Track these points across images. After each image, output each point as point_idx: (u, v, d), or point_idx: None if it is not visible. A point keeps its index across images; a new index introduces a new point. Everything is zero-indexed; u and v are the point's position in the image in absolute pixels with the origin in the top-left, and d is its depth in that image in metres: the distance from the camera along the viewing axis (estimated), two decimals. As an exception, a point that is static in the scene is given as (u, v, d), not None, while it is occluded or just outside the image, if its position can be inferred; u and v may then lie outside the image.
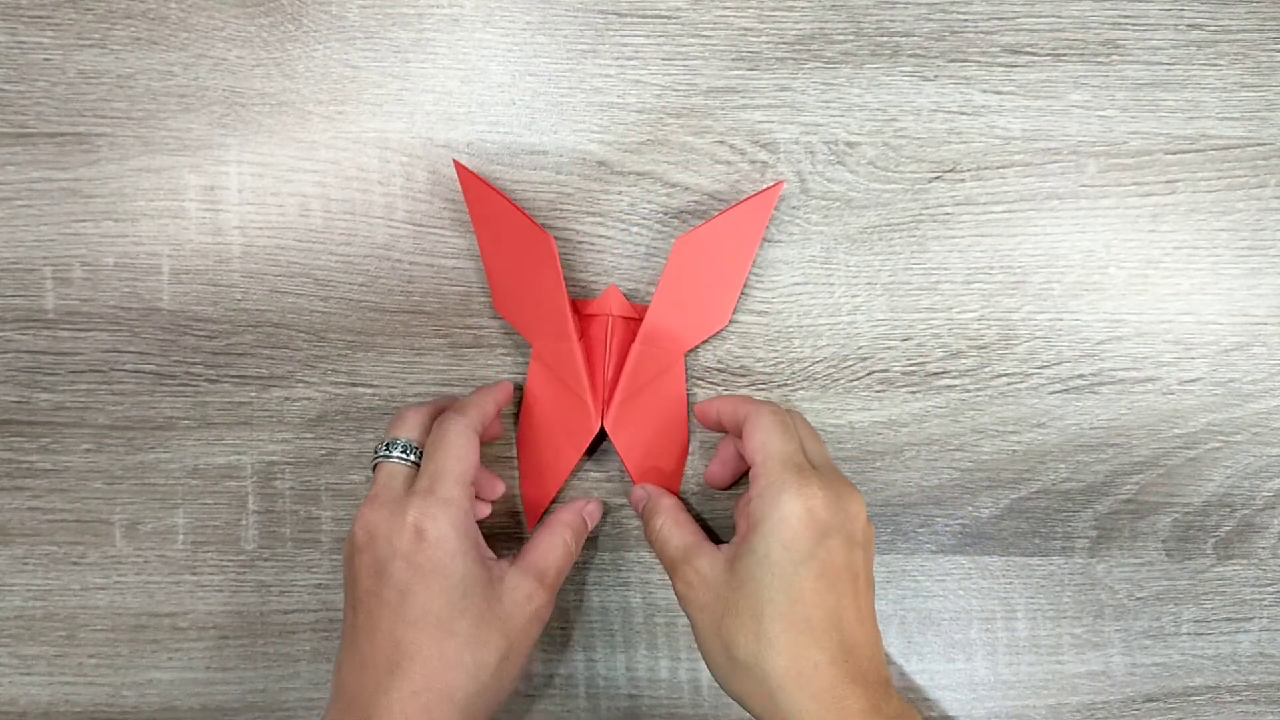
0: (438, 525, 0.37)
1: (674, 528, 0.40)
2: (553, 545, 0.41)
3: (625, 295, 0.45)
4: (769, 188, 0.43)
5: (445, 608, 0.36)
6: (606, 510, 0.46)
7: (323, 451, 0.46)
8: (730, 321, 0.45)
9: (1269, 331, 0.45)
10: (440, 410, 0.41)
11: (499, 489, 0.43)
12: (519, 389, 0.45)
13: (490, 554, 0.39)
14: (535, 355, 0.44)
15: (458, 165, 0.43)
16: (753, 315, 0.46)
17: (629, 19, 0.45)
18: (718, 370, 0.45)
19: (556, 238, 0.45)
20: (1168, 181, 0.45)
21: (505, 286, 0.44)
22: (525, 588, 0.39)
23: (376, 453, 0.40)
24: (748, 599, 0.36)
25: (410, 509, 0.37)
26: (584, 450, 0.44)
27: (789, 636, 0.35)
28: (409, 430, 0.40)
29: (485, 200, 0.43)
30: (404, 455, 0.39)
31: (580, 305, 0.44)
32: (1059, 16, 0.45)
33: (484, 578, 0.37)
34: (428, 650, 0.36)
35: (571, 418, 0.44)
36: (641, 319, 0.44)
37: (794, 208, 0.45)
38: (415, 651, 0.35)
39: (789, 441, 0.38)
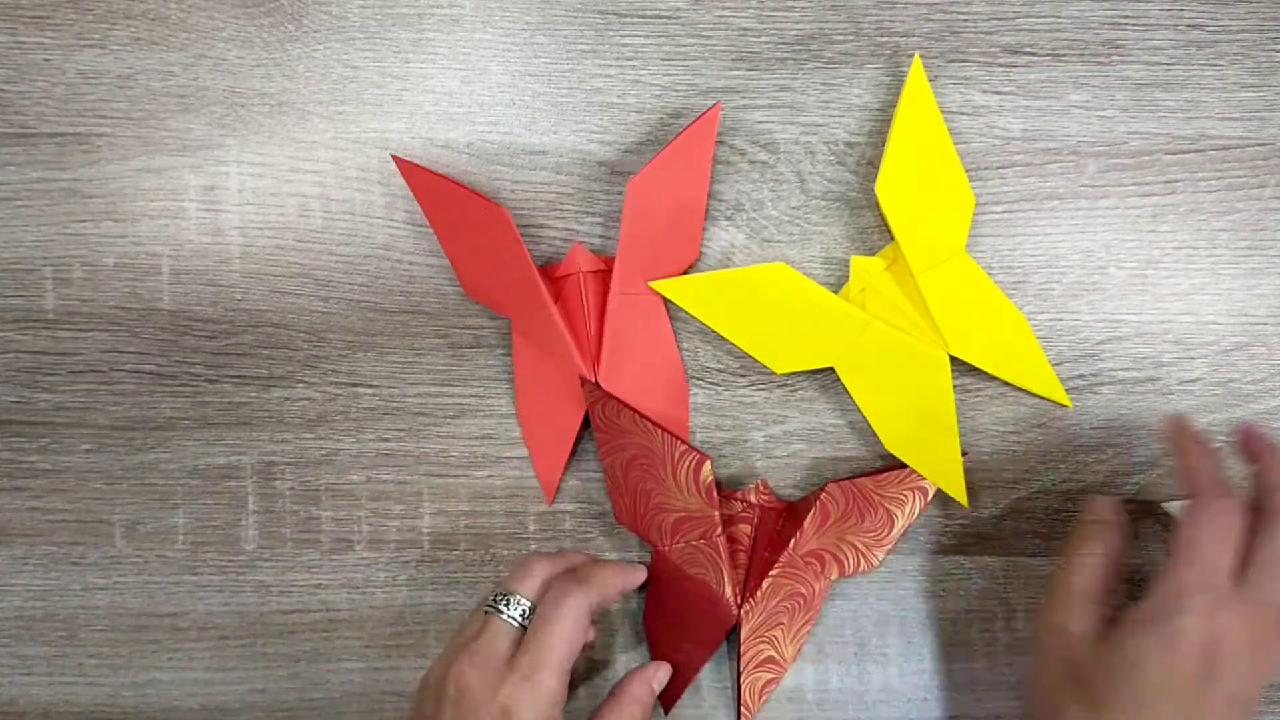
0: (524, 713, 0.36)
1: (1094, 567, 0.40)
2: None
3: (592, 251, 0.45)
4: (706, 111, 0.43)
5: None
6: (604, 511, 0.46)
7: (323, 451, 0.46)
8: (699, 254, 0.45)
9: (1269, 331, 0.45)
10: (569, 566, 0.41)
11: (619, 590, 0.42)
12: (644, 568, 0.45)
13: None
14: (516, 330, 0.44)
15: (396, 160, 0.43)
16: (753, 315, 0.45)
17: (629, 19, 0.45)
18: (717, 370, 0.45)
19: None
20: (1168, 181, 0.45)
21: (471, 269, 0.44)
22: None
23: (492, 600, 0.39)
24: (1116, 689, 0.35)
25: (505, 687, 0.37)
26: (584, 409, 0.44)
27: None
28: (529, 588, 0.40)
29: (432, 187, 0.43)
30: (516, 616, 0.39)
31: (549, 270, 0.44)
32: (1059, 16, 0.45)
33: None
34: None
35: (566, 381, 0.44)
36: (611, 269, 0.44)
37: (794, 208, 0.45)
38: None
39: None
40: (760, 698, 0.44)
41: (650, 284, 0.44)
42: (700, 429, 0.46)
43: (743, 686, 0.43)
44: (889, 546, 0.44)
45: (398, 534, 0.46)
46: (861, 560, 0.44)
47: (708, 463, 0.43)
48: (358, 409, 0.46)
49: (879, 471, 0.44)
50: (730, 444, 0.46)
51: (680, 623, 0.44)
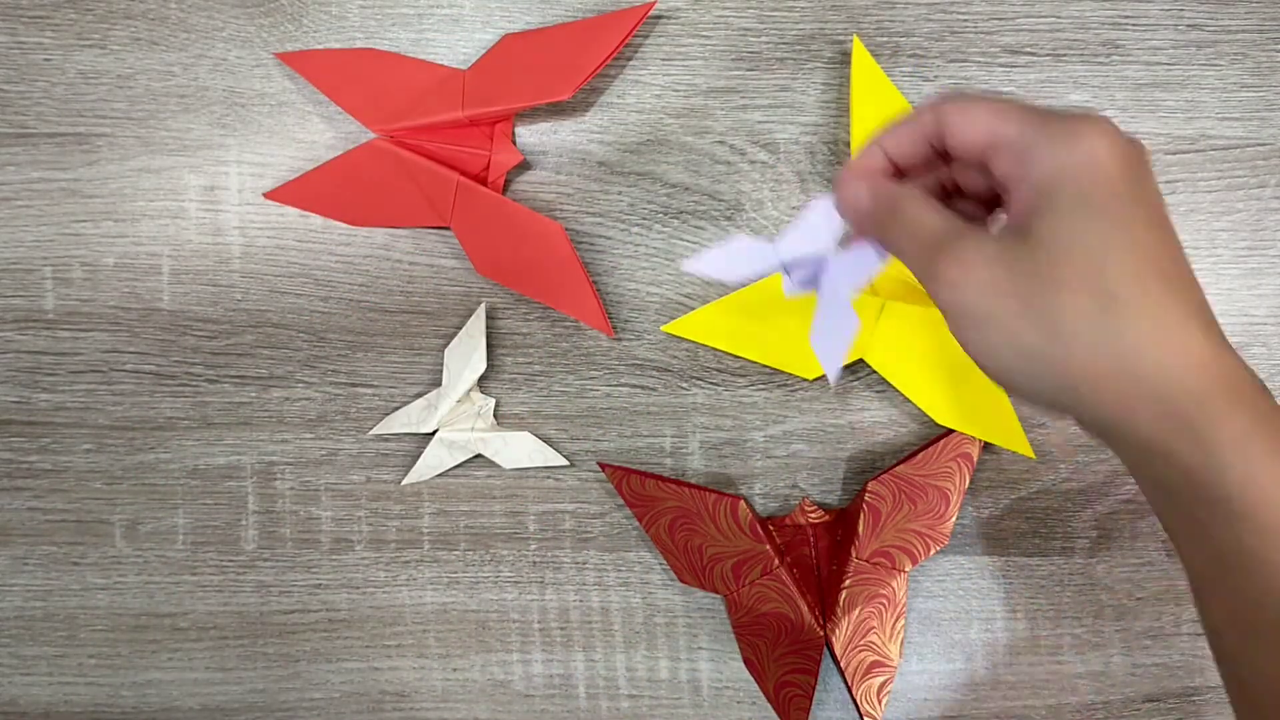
0: None
1: (927, 208, 0.30)
2: None
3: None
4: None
5: None
6: (604, 511, 0.46)
7: (323, 451, 0.46)
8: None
9: (1269, 331, 0.45)
10: None
11: None
12: None
13: None
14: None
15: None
16: (753, 315, 0.45)
17: (629, 19, 0.45)
18: (717, 370, 0.45)
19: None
20: (1168, 181, 0.45)
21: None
22: None
23: None
24: (1073, 263, 0.27)
25: None
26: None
27: (1149, 298, 0.27)
28: None
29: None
30: None
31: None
32: (1059, 16, 0.45)
33: None
34: None
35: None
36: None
37: (794, 208, 0.45)
38: None
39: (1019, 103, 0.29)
40: (880, 701, 0.44)
41: (663, 329, 0.44)
42: (700, 429, 0.46)
43: (858, 698, 0.43)
44: (952, 519, 0.44)
45: (398, 534, 0.46)
46: (930, 543, 0.44)
47: (741, 502, 0.43)
48: (358, 409, 0.46)
49: (912, 455, 0.44)
50: (730, 444, 0.46)
51: (777, 659, 0.44)
